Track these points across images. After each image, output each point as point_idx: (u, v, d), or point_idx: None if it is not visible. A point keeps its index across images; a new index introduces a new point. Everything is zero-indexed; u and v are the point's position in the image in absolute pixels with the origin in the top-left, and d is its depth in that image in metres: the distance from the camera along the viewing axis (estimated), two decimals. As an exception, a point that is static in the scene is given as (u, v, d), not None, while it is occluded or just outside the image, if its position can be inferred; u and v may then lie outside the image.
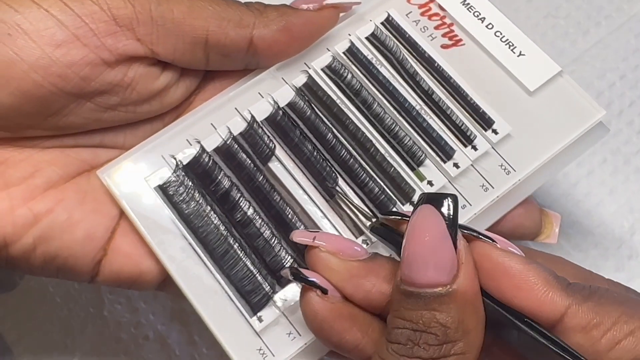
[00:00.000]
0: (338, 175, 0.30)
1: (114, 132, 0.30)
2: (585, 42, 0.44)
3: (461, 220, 0.30)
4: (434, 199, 0.24)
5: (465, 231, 0.25)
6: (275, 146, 0.30)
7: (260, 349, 0.28)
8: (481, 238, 0.25)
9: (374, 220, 0.28)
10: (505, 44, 0.33)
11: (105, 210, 0.29)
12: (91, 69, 0.27)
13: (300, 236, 0.27)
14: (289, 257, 0.29)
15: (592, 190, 0.41)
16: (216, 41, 0.29)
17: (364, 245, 0.29)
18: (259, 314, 0.28)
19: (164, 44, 0.28)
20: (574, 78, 0.34)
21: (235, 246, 0.29)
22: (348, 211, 0.29)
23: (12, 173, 0.28)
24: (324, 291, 0.25)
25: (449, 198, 0.24)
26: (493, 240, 0.25)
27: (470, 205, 0.30)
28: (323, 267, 0.26)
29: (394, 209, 0.30)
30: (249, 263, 0.28)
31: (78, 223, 0.28)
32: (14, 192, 0.27)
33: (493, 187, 0.31)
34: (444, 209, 0.24)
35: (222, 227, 0.29)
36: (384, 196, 0.30)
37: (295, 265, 0.28)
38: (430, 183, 0.30)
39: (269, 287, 0.28)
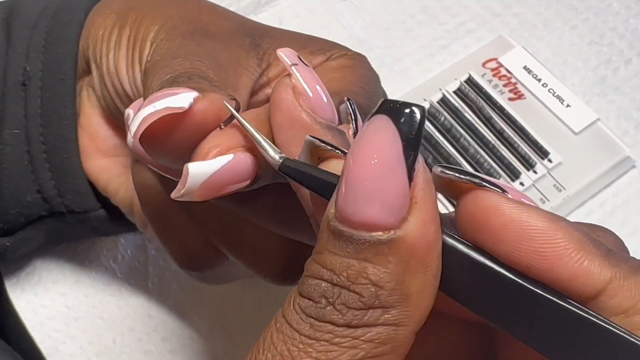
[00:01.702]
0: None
1: None
2: (627, 72, 0.44)
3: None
4: (392, 109, 0.17)
5: (462, 176, 0.18)
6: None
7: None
8: (485, 186, 0.18)
9: (280, 155, 0.21)
10: (556, 98, 0.45)
11: None
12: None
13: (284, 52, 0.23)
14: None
15: (628, 219, 0.42)
16: None
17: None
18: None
19: None
20: (613, 108, 0.43)
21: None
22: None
23: None
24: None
25: (413, 108, 0.17)
26: (503, 190, 0.18)
27: (532, 212, 0.41)
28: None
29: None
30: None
31: None
32: None
33: (549, 200, 0.42)
34: (404, 123, 0.17)
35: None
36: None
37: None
38: (502, 196, 0.42)
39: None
